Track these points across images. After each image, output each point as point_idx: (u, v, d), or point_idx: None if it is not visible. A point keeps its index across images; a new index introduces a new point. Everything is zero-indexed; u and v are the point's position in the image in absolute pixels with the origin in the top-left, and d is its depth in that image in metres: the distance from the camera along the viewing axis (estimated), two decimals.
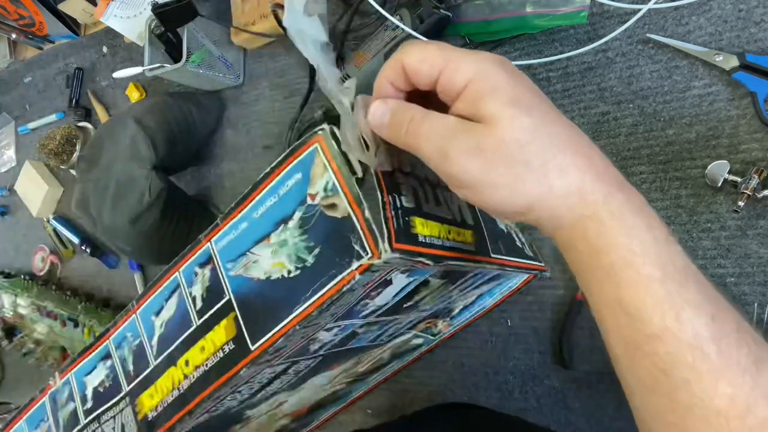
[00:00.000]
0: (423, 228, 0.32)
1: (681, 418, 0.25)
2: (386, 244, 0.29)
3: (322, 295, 0.30)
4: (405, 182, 0.33)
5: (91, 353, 0.44)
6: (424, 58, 0.28)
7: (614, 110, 0.55)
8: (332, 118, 0.64)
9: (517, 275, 0.51)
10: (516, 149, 0.26)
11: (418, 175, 0.35)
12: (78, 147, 0.92)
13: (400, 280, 0.35)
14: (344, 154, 0.31)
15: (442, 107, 0.29)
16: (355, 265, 0.29)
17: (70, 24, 0.98)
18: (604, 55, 0.56)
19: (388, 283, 0.34)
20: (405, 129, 0.29)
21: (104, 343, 0.43)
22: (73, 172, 0.96)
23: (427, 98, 0.31)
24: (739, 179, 0.48)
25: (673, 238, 0.27)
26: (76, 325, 0.88)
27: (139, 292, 0.41)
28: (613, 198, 0.27)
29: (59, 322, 0.90)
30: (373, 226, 0.29)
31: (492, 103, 0.27)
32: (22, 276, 1.02)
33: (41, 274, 1.03)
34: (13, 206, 1.11)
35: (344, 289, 0.30)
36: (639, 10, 0.52)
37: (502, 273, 0.45)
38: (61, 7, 0.93)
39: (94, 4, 0.86)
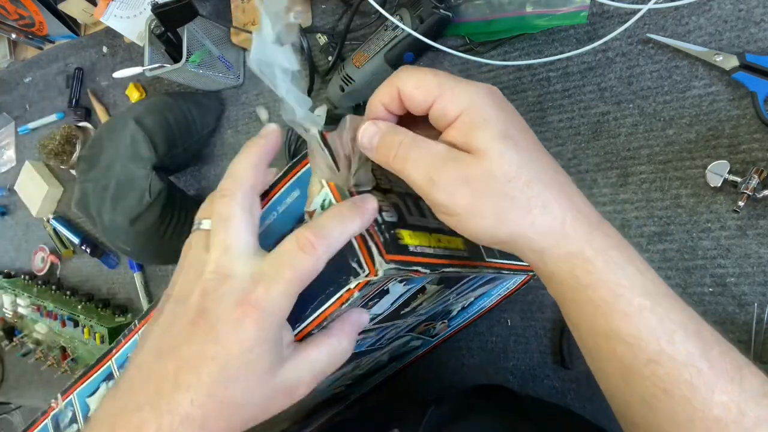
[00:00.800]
0: (411, 239, 0.32)
1: (685, 431, 0.27)
2: (382, 259, 0.28)
3: (320, 314, 0.30)
4: (384, 199, 0.32)
5: (93, 374, 0.44)
6: (420, 85, 0.29)
7: (614, 110, 0.55)
8: (332, 118, 0.64)
9: (514, 277, 0.51)
10: (503, 183, 0.27)
11: (397, 190, 0.34)
12: (78, 147, 0.92)
13: (397, 289, 0.35)
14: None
15: (429, 129, 0.30)
16: (353, 283, 0.29)
17: (70, 24, 0.98)
18: (604, 55, 0.56)
19: (385, 292, 0.34)
20: (394, 153, 0.29)
21: (107, 364, 0.43)
22: (73, 172, 0.96)
23: (413, 120, 0.31)
24: (739, 179, 0.48)
25: (649, 266, 0.29)
26: (76, 324, 0.88)
27: (139, 293, 0.41)
28: (594, 236, 0.28)
29: (59, 322, 0.90)
30: (370, 243, 0.29)
31: (483, 136, 0.27)
32: (22, 276, 1.03)
33: (41, 274, 1.03)
34: (13, 206, 1.11)
35: (343, 307, 0.29)
36: (639, 10, 0.52)
37: (499, 276, 0.45)
38: (61, 7, 0.93)
39: (94, 4, 0.86)
